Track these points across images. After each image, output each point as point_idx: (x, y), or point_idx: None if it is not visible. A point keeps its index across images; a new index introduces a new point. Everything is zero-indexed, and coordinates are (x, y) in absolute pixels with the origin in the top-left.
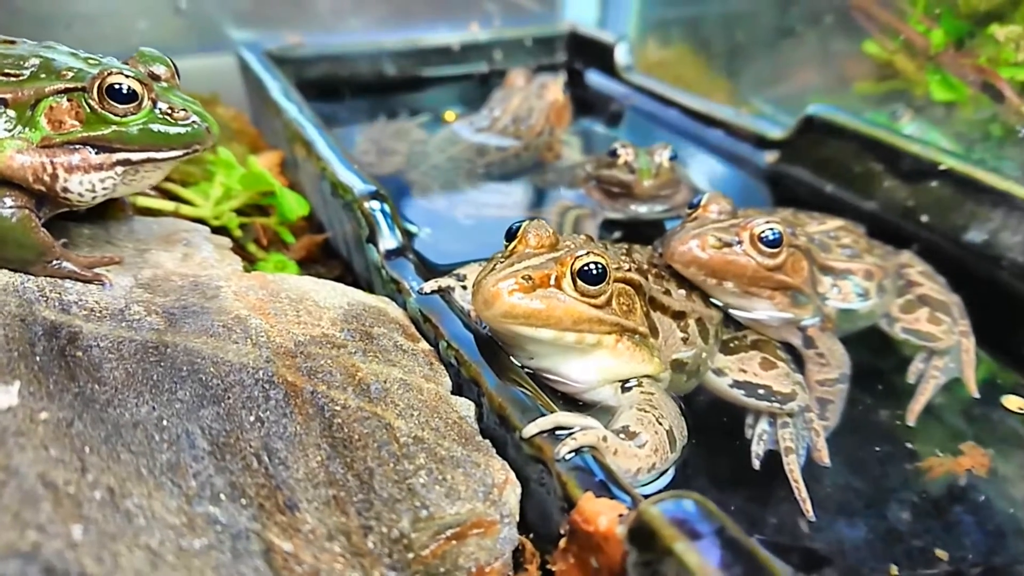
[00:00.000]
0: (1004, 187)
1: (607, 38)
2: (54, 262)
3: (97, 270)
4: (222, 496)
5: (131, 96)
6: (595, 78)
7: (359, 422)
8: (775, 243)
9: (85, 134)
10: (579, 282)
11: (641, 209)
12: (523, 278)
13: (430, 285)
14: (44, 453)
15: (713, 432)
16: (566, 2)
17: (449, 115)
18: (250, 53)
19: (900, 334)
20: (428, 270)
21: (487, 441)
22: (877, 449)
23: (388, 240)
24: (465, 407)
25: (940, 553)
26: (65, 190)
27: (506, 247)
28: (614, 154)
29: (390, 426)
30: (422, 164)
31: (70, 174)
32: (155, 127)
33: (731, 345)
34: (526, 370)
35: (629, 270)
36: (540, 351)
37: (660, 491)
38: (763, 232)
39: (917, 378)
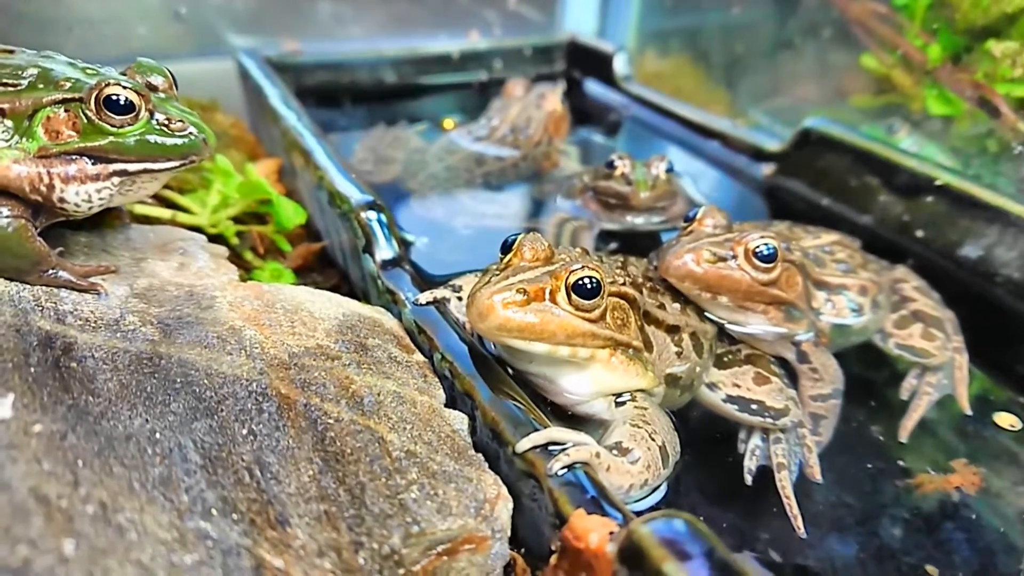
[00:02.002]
0: (999, 203)
1: (606, 48)
2: (50, 271)
3: (93, 279)
4: (213, 511)
5: (128, 107)
6: (594, 88)
7: (352, 436)
8: (769, 258)
9: (82, 145)
10: (573, 296)
11: (638, 220)
12: (518, 291)
13: (425, 296)
14: (37, 466)
15: (706, 446)
16: (565, 12)
17: (447, 124)
18: (249, 60)
19: (894, 350)
20: (424, 280)
21: (479, 455)
22: (869, 465)
23: (384, 250)
24: (458, 420)
25: (931, 569)
26: (62, 200)
27: (501, 260)
28: (611, 166)
29: (383, 440)
30: (420, 173)
31: (67, 184)
32: (152, 138)
33: (725, 359)
34: (526, 375)
35: (624, 284)
36: (536, 362)
37: (652, 507)
38: (758, 247)
39: (910, 394)
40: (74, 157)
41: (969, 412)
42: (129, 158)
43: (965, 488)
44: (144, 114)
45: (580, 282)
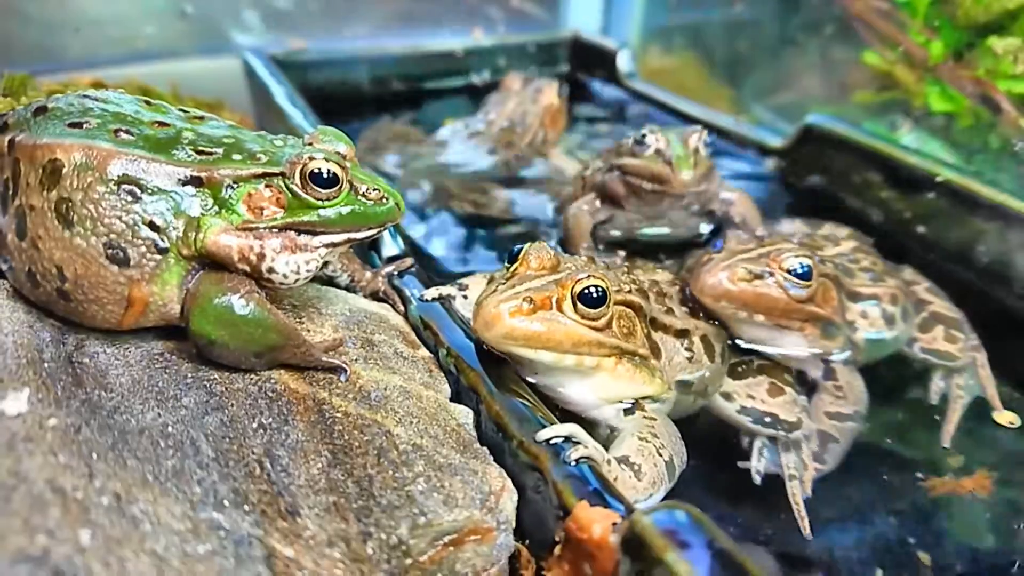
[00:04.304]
0: (999, 200)
1: (610, 45)
2: (303, 346)
3: (330, 356)
4: (225, 502)
5: (332, 180)
6: (597, 85)
7: (359, 429)
8: (806, 276)
9: (289, 220)
10: (579, 305)
11: (675, 215)
12: (524, 300)
13: (431, 292)
14: (52, 459)
15: (712, 443)
16: (569, 9)
17: (446, 119)
18: (255, 58)
19: (919, 354)
20: (427, 276)
21: (485, 448)
22: (867, 461)
23: (390, 247)
24: (463, 414)
25: (923, 556)
26: (271, 271)
27: (507, 269)
28: (641, 142)
29: (390, 433)
30: (420, 167)
31: (277, 254)
32: (355, 209)
33: (739, 370)
34: (532, 383)
35: (630, 292)
36: (541, 371)
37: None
38: (792, 266)
39: (939, 398)
40: (278, 230)
41: (1001, 410)
42: (335, 229)
43: (966, 484)
44: (346, 186)
45: (586, 291)
